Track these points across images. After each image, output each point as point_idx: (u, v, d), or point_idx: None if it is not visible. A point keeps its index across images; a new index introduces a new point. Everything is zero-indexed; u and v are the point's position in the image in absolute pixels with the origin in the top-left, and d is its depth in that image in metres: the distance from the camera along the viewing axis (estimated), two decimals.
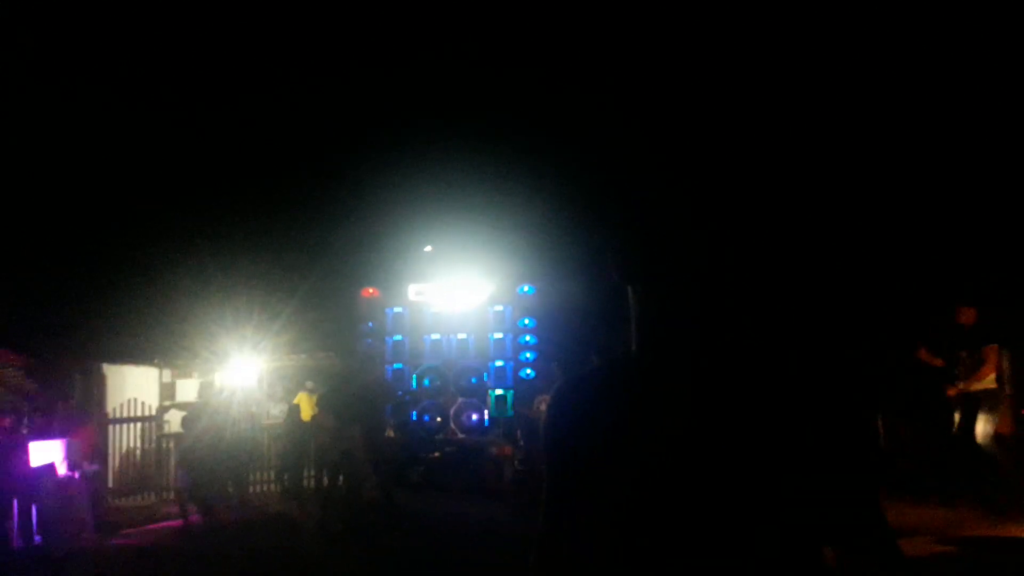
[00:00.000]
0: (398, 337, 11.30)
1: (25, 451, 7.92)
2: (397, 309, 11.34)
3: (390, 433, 11.13)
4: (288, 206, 13.86)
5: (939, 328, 7.44)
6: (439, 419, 11.00)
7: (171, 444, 10.99)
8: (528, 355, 11.41)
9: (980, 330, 7.07)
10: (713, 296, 1.10)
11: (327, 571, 6.82)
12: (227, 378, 14.02)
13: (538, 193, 13.08)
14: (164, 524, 9.13)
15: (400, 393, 11.01)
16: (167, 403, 10.67)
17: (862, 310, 8.90)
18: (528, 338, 11.45)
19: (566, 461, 1.20)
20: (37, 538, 7.60)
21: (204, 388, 10.22)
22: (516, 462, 11.06)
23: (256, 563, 7.04)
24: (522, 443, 11.05)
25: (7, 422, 8.96)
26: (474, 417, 11.04)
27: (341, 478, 8.68)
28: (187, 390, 14.47)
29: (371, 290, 11.35)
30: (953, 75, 9.63)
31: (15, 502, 7.43)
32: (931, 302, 8.24)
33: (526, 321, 11.49)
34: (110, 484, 10.61)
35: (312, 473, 10.56)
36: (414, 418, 11.01)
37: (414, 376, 11.17)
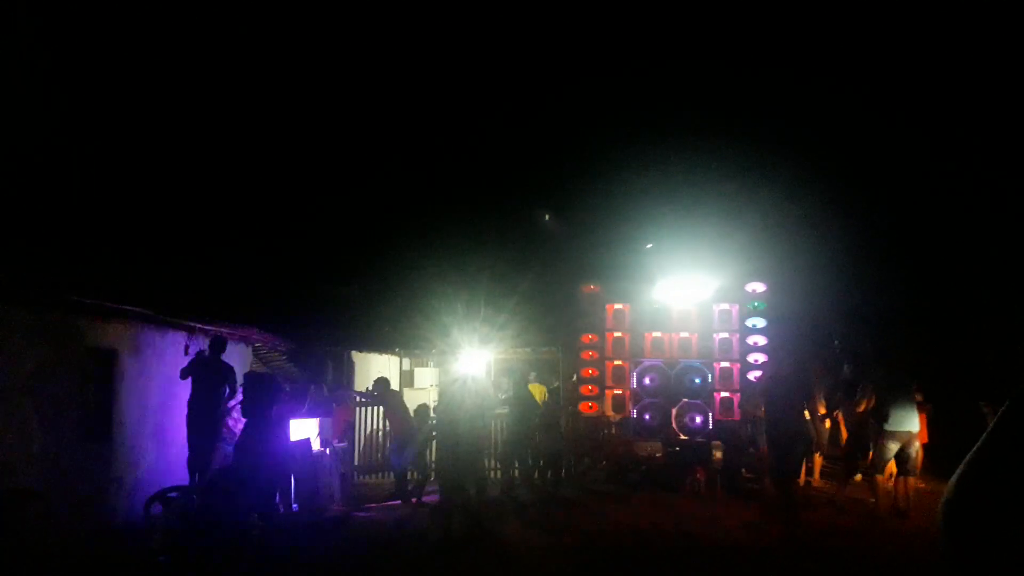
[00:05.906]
0: (618, 334, 11.20)
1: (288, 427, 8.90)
2: (618, 306, 11.24)
3: (614, 431, 11.09)
4: (514, 205, 14.32)
5: None
6: (660, 418, 10.75)
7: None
8: (756, 357, 10.77)
9: None
10: None
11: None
12: (459, 367, 14.85)
13: (770, 184, 12.28)
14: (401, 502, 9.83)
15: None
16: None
17: None
18: (756, 340, 10.82)
19: None
20: (295, 506, 8.53)
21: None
22: (743, 470, 10.49)
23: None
24: (752, 450, 10.45)
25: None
26: (698, 419, 10.63)
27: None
28: (423, 377, 15.56)
29: (592, 286, 11.36)
30: None
31: (291, 473, 8.34)
32: None
33: (754, 322, 10.85)
34: (356, 462, 11.56)
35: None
36: (635, 416, 10.85)
37: (635, 374, 11.01)
